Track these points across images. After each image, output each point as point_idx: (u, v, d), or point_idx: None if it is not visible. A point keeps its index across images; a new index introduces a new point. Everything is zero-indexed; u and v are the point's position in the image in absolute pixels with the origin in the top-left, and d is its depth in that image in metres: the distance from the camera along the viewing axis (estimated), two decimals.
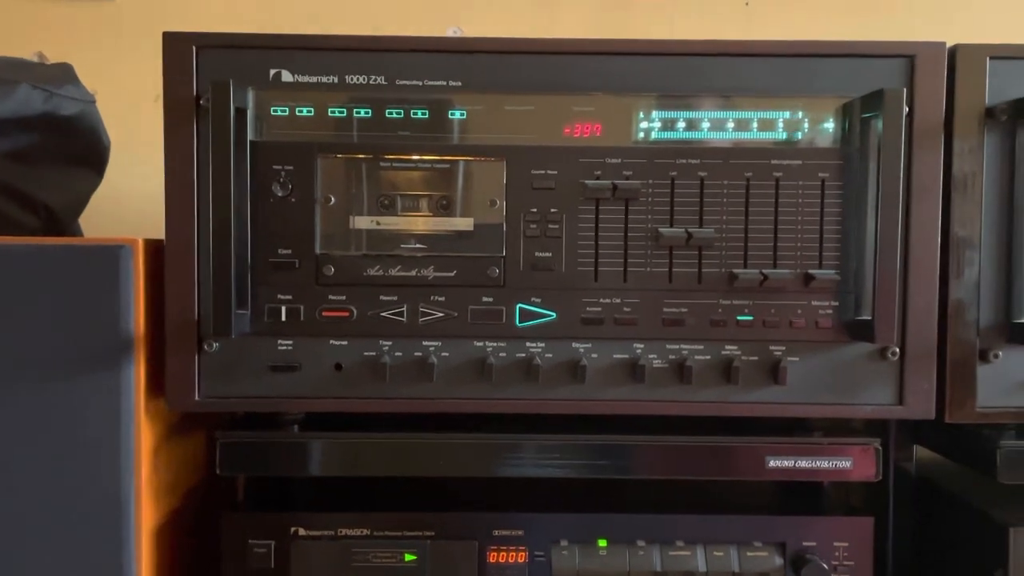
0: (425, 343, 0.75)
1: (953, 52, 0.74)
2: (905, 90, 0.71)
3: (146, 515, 0.73)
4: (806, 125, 0.75)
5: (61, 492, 0.70)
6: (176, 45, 0.72)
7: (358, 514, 0.78)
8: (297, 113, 0.74)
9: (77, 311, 0.70)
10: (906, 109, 0.71)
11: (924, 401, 0.74)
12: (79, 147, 0.87)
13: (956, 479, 0.89)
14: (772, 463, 0.76)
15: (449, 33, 1.15)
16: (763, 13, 1.17)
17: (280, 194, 0.74)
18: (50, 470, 0.70)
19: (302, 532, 0.77)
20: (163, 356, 0.73)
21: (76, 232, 0.93)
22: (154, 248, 0.73)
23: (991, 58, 0.74)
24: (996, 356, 0.74)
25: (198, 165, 0.72)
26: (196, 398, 0.74)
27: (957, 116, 0.74)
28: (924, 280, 0.74)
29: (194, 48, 0.72)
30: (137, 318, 0.71)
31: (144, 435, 0.72)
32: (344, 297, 0.74)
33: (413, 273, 0.74)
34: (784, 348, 0.75)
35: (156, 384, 0.74)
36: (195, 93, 0.72)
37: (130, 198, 1.06)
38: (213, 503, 0.85)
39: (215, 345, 0.73)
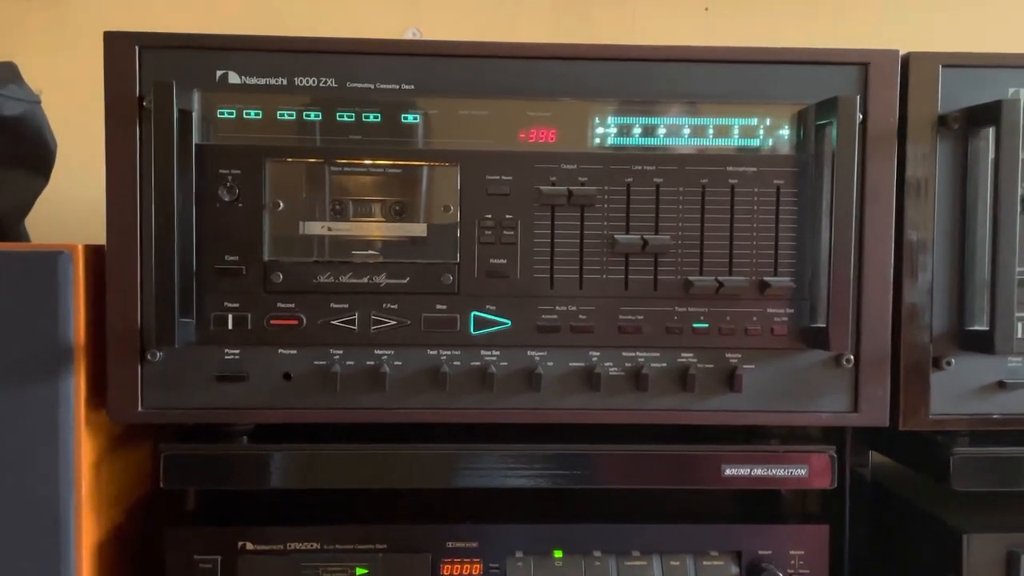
0: (377, 352, 0.73)
1: (906, 60, 0.74)
2: (859, 97, 0.71)
3: (87, 530, 0.71)
4: (761, 132, 0.75)
5: None
6: (118, 45, 0.70)
7: (308, 527, 0.76)
8: (245, 116, 0.72)
9: (14, 319, 0.68)
10: (860, 116, 0.72)
11: (878, 408, 0.75)
12: (23, 149, 0.85)
13: (911, 485, 0.90)
14: (728, 471, 0.75)
15: (408, 34, 1.14)
16: (722, 18, 1.17)
17: (227, 199, 0.72)
18: None
19: (250, 546, 0.75)
20: (105, 366, 0.71)
21: (22, 236, 0.91)
22: (95, 254, 0.71)
23: (943, 66, 0.74)
24: (949, 363, 0.75)
25: (141, 168, 0.70)
26: (139, 409, 0.72)
27: (910, 123, 0.74)
28: (878, 287, 0.74)
29: (136, 48, 0.70)
30: (77, 326, 0.69)
31: (84, 447, 0.70)
32: (293, 305, 0.72)
33: (365, 280, 0.73)
34: (740, 356, 0.74)
35: (97, 395, 0.72)
36: (138, 94, 0.70)
37: (79, 201, 1.03)
38: (159, 517, 0.83)
39: (158, 354, 0.71)
